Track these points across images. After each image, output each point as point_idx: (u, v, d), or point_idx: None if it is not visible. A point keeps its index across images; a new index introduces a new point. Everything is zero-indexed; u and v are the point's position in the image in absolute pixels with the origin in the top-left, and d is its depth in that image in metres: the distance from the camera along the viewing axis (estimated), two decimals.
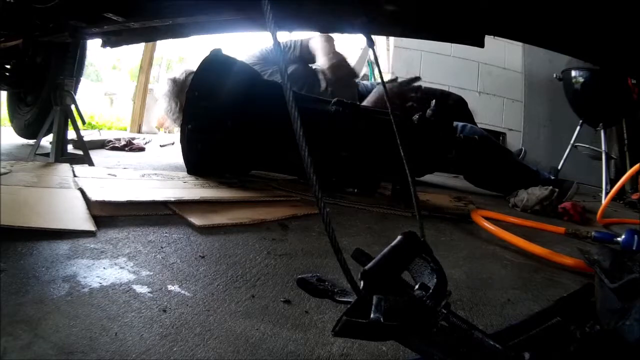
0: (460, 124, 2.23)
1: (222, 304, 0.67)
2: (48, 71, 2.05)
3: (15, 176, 1.24)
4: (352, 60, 2.95)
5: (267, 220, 1.17)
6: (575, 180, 2.24)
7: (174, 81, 2.18)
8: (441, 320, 0.44)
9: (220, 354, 0.54)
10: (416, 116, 1.69)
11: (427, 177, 2.43)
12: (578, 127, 3.06)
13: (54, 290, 0.63)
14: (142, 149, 2.51)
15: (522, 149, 3.29)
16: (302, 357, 0.56)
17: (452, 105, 2.71)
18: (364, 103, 2.23)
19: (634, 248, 1.21)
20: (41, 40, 1.86)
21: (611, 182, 2.62)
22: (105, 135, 2.80)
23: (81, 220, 0.93)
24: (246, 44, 2.83)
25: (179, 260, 0.83)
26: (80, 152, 1.76)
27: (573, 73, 2.82)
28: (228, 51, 1.73)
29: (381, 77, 1.04)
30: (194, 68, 1.76)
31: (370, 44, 0.93)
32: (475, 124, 2.74)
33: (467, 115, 2.77)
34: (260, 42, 2.59)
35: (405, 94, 2.15)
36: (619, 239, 1.29)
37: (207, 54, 1.68)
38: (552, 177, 2.35)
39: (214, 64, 1.66)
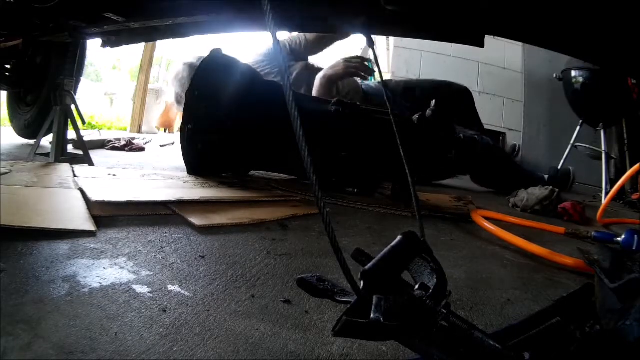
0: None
1: (222, 304, 0.67)
2: (48, 71, 2.05)
3: (15, 176, 1.24)
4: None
5: (267, 220, 1.17)
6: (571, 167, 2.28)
7: (190, 67, 2.15)
8: (441, 320, 0.44)
9: (220, 354, 0.54)
10: (416, 116, 1.69)
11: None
12: (578, 127, 3.06)
13: (54, 290, 0.63)
14: (142, 149, 2.51)
15: (515, 144, 3.28)
16: (302, 357, 0.56)
17: (455, 94, 2.69)
18: (313, 94, 2.29)
19: (634, 248, 1.21)
20: (41, 40, 1.86)
21: (611, 182, 2.62)
22: (105, 135, 2.80)
23: (81, 220, 0.93)
24: (247, 44, 2.84)
25: (179, 260, 0.83)
26: (80, 152, 1.76)
27: (573, 73, 2.82)
28: (228, 51, 1.73)
29: (381, 77, 1.04)
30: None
31: (370, 44, 0.94)
32: (479, 119, 2.74)
33: (471, 108, 2.75)
34: (265, 41, 2.61)
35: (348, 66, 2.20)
36: (619, 239, 1.29)
37: (207, 54, 1.68)
38: (546, 176, 2.40)
39: (214, 64, 1.66)
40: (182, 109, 2.18)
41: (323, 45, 2.62)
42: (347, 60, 2.29)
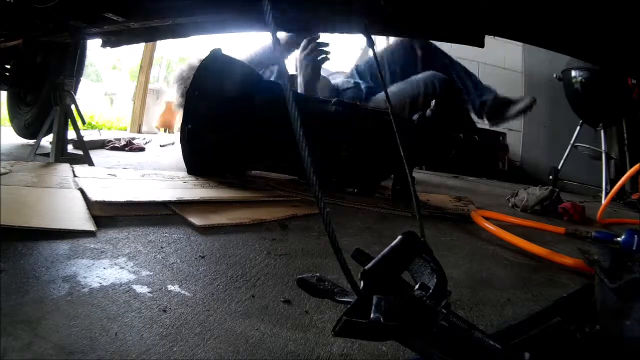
0: None
1: (222, 304, 0.67)
2: (48, 71, 2.05)
3: (15, 176, 1.24)
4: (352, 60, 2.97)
5: (267, 220, 1.17)
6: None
7: (193, 68, 2.19)
8: (441, 320, 0.44)
9: (220, 354, 0.54)
10: (416, 116, 1.69)
11: (427, 177, 2.43)
12: (578, 127, 3.07)
13: (54, 290, 0.63)
14: (142, 149, 2.51)
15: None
16: (302, 357, 0.56)
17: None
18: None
19: (634, 248, 1.21)
20: (41, 40, 1.86)
21: (611, 182, 2.62)
22: (105, 135, 2.80)
23: (81, 220, 0.93)
24: (246, 44, 2.83)
25: (179, 260, 0.83)
26: (80, 152, 1.76)
27: (573, 73, 2.82)
28: (228, 51, 1.73)
29: (381, 77, 1.04)
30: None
31: (370, 44, 0.93)
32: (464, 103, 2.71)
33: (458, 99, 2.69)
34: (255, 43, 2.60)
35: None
36: (619, 239, 1.29)
37: (207, 53, 1.68)
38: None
39: (214, 64, 1.66)
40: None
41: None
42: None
